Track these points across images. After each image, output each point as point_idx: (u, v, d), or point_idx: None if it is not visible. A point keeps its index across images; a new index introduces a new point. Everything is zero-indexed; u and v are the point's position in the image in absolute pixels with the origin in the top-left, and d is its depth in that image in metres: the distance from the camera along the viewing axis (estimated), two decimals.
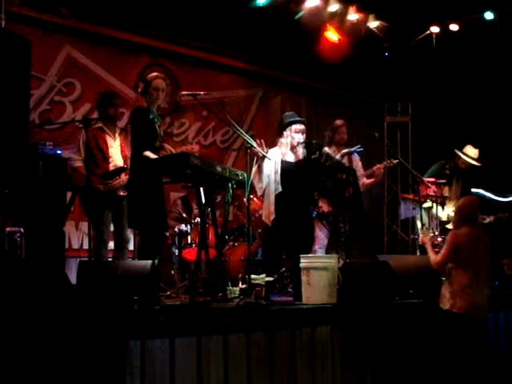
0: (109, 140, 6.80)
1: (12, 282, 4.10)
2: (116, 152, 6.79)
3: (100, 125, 6.82)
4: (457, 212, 5.84)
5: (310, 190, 6.67)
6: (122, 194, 6.61)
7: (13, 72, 4.77)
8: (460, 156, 8.40)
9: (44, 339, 3.83)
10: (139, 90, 6.26)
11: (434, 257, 5.76)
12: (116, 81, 8.91)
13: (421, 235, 6.34)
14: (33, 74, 6.87)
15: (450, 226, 8.24)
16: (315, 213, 6.85)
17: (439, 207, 7.89)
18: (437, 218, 7.94)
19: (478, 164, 8.43)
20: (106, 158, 6.72)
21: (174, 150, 6.25)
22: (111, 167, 6.71)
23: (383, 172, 7.87)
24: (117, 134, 6.87)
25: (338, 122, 7.76)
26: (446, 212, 8.22)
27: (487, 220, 8.14)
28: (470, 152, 8.43)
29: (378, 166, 7.73)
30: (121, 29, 8.90)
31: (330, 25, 9.56)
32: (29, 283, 4.19)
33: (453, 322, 5.57)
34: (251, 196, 6.73)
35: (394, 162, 7.97)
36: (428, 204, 7.98)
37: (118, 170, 6.68)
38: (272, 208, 6.78)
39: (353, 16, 9.55)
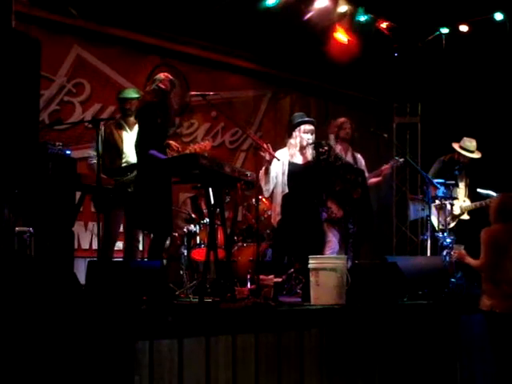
0: (125, 135, 6.85)
1: (21, 282, 4.11)
2: (131, 147, 6.79)
3: (118, 121, 6.94)
4: (491, 210, 5.88)
5: (319, 191, 6.67)
6: (130, 189, 6.64)
7: (23, 72, 4.79)
8: (460, 152, 8.42)
9: (53, 339, 3.84)
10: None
11: (474, 262, 5.81)
12: (125, 81, 8.90)
13: (454, 252, 6.33)
14: (42, 74, 6.87)
15: (464, 217, 8.28)
16: (325, 215, 6.85)
17: (448, 206, 7.90)
18: (450, 212, 7.99)
19: (478, 156, 8.45)
20: (119, 153, 6.78)
21: (180, 147, 6.26)
22: (123, 163, 6.76)
23: (390, 172, 7.90)
24: (136, 129, 6.88)
25: (341, 119, 7.75)
26: (457, 205, 8.24)
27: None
28: (468, 145, 8.44)
29: (386, 166, 7.76)
30: (130, 29, 8.90)
31: (339, 25, 9.55)
32: (38, 283, 4.20)
33: (494, 322, 5.61)
34: (260, 197, 6.74)
35: (401, 160, 8.00)
36: (438, 202, 7.98)
37: (130, 167, 6.70)
38: (278, 209, 6.79)
39: (362, 16, 9.54)
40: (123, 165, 6.75)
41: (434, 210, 7.99)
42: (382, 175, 7.71)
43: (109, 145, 6.79)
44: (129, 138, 6.83)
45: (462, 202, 8.33)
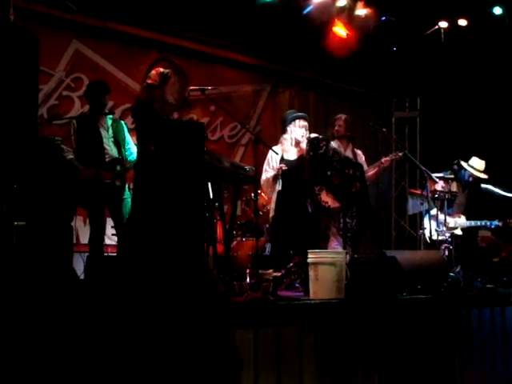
0: (102, 131, 6.78)
1: (20, 277, 4.12)
2: (110, 143, 6.77)
3: (92, 118, 6.82)
4: None
5: (312, 184, 6.68)
6: (118, 183, 6.63)
7: (22, 67, 4.78)
8: (466, 169, 8.41)
9: (50, 335, 3.84)
10: None
11: None
12: (124, 76, 8.92)
13: (480, 237, 6.22)
14: (41, 68, 6.88)
15: (457, 232, 8.25)
16: (311, 207, 6.86)
17: (445, 205, 7.89)
18: (445, 219, 7.98)
19: (485, 176, 8.43)
20: (101, 150, 6.73)
21: None
22: (107, 158, 6.72)
23: (388, 164, 7.95)
24: (109, 125, 6.84)
25: (338, 115, 7.80)
26: (455, 219, 8.22)
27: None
28: (477, 164, 8.42)
29: (386, 158, 7.78)
30: (129, 24, 8.91)
31: (338, 20, 9.54)
32: (36, 278, 4.20)
33: None
34: (259, 191, 6.74)
35: (400, 154, 8.06)
36: (433, 212, 7.96)
37: (115, 161, 6.69)
38: (272, 205, 6.81)
39: (361, 11, 9.54)
40: (107, 160, 6.72)
41: (426, 221, 8.03)
42: (379, 167, 7.74)
43: (89, 142, 6.74)
44: (105, 134, 6.78)
45: (457, 218, 8.30)
